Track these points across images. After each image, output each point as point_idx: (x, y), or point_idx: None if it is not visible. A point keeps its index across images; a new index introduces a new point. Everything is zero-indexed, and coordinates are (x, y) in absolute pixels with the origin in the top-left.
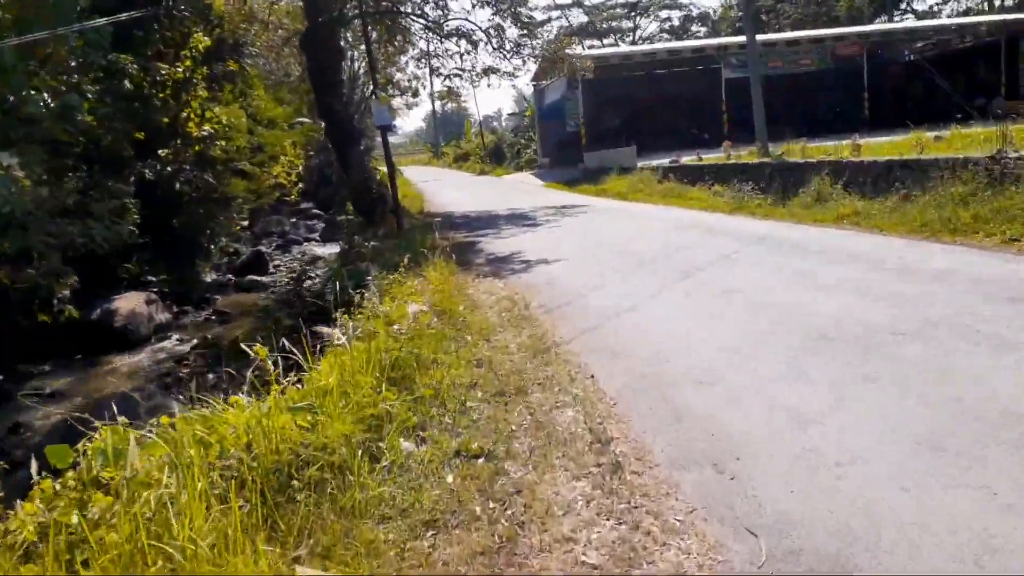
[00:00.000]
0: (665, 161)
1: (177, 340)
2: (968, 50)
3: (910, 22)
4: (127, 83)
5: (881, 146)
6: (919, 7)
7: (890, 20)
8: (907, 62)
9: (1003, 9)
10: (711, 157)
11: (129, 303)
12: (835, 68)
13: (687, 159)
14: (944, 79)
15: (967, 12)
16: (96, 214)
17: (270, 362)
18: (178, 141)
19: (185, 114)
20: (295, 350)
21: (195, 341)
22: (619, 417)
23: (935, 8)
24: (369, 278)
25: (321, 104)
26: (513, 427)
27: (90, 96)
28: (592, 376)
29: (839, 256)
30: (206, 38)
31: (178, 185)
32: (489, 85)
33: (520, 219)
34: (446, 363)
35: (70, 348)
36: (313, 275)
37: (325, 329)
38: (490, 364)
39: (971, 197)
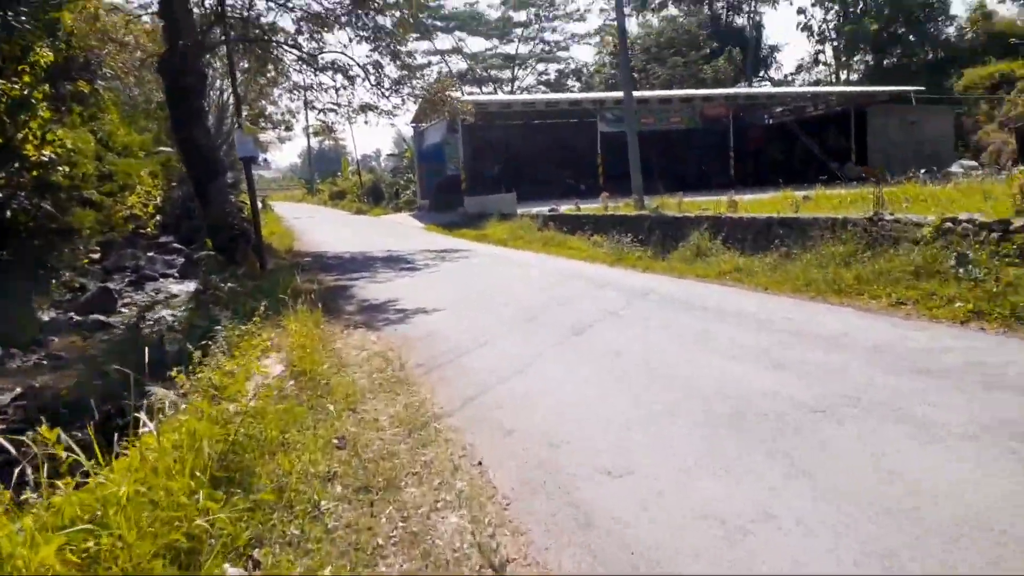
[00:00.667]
0: (544, 209)
1: None
2: (820, 118)
3: (769, 88)
4: None
5: (753, 203)
6: (775, 75)
7: (750, 86)
8: (767, 125)
9: (848, 82)
10: (589, 207)
11: None
12: (703, 128)
13: (566, 208)
14: (803, 143)
15: (817, 83)
16: None
17: (60, 450)
18: (15, 165)
19: (22, 135)
20: (72, 443)
21: (18, 390)
22: (515, 524)
23: (789, 78)
24: (218, 327)
25: (179, 133)
26: (380, 540)
27: None
28: (480, 463)
29: (728, 315)
30: (49, 53)
31: (9, 213)
32: (367, 122)
33: (398, 262)
34: (298, 445)
35: None
36: (156, 318)
37: (159, 391)
38: (355, 445)
39: (852, 258)
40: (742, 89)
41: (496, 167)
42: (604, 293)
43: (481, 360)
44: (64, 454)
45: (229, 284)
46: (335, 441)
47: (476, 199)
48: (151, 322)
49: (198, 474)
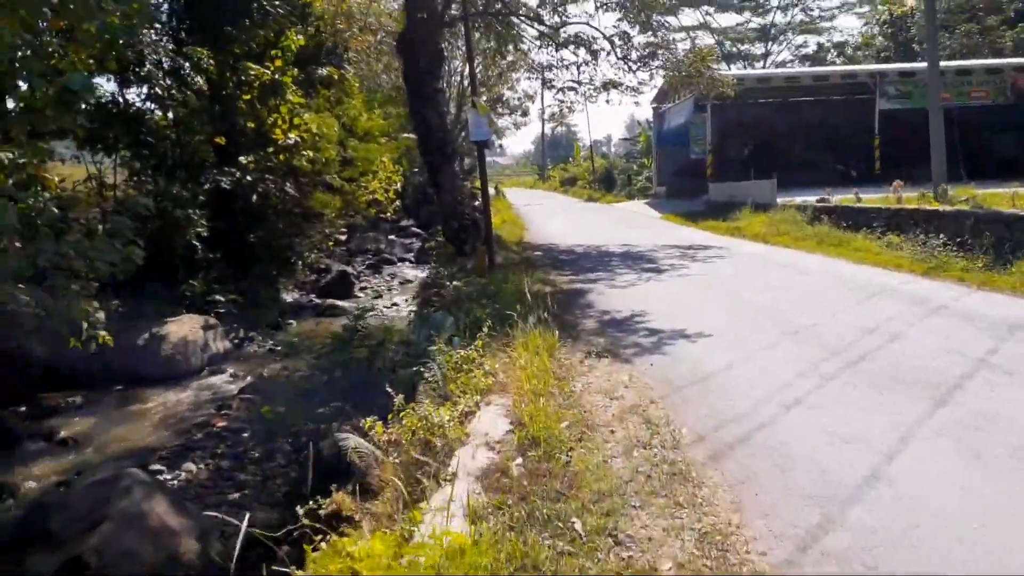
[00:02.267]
0: (811, 199)
1: (230, 376)
2: None
3: None
4: (201, 80)
5: None
6: None
7: None
8: None
9: None
10: (872, 198)
11: (182, 328)
12: (1013, 104)
13: (840, 198)
14: None
15: None
16: (112, 230)
17: None
18: (269, 149)
19: (272, 120)
20: None
21: (248, 380)
22: None
23: None
24: (433, 348)
25: (415, 114)
26: None
27: (158, 91)
28: None
29: None
30: (300, 38)
31: (255, 197)
32: (608, 101)
33: (638, 260)
34: None
35: (110, 378)
36: (387, 307)
37: (353, 440)
38: None
39: None
40: None
41: (746, 150)
42: (943, 323)
43: (801, 443)
44: None
45: (455, 283)
46: None
47: (722, 186)
48: (373, 317)
49: None
